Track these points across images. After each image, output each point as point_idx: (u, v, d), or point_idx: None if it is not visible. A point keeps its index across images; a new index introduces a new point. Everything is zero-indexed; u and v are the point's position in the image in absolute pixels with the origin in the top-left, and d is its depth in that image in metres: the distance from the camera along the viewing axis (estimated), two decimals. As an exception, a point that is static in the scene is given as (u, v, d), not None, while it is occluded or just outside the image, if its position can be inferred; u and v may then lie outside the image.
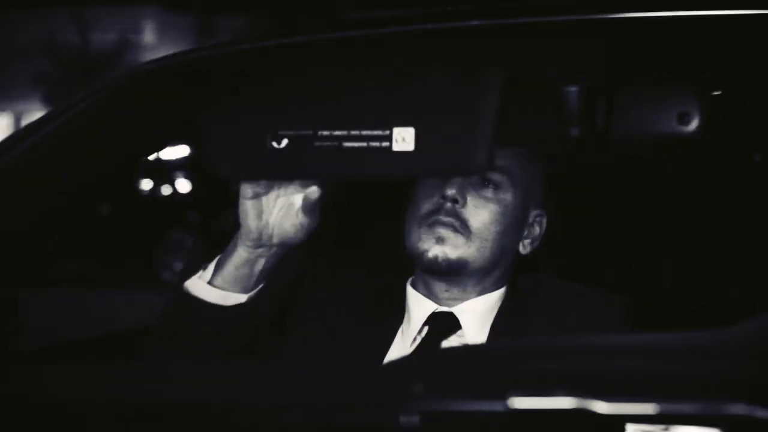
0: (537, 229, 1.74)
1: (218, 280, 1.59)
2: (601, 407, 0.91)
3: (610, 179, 2.15)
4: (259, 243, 1.58)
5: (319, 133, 1.42)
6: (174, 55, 1.76)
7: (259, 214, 1.56)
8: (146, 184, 11.67)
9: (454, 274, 1.68)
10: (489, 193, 1.68)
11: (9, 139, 1.70)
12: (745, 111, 1.95)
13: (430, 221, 1.67)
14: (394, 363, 1.43)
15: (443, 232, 1.66)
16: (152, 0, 23.95)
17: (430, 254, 1.67)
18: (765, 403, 0.89)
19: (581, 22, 1.51)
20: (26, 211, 1.65)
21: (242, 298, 1.59)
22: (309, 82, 1.46)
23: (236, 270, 1.59)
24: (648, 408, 0.90)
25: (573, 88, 1.45)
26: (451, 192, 1.66)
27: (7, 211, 1.63)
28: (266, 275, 1.61)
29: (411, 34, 1.62)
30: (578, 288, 1.70)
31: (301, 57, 1.66)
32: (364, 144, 1.39)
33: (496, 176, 1.68)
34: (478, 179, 1.68)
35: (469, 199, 1.67)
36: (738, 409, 0.89)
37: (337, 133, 1.41)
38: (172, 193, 11.67)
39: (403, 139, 1.38)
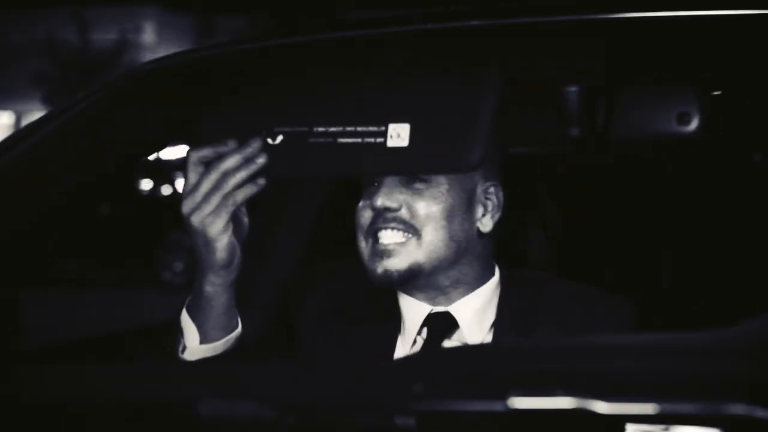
0: (492, 202, 1.66)
1: (206, 340, 1.58)
2: (601, 407, 0.91)
3: (610, 179, 2.15)
4: (226, 266, 1.56)
5: (315, 129, 1.42)
6: (174, 55, 1.76)
7: (216, 234, 1.52)
8: (146, 184, 11.67)
9: (413, 280, 1.64)
10: (420, 185, 1.61)
11: (9, 139, 1.70)
12: (745, 111, 1.95)
13: (372, 231, 1.62)
14: (393, 363, 1.43)
15: (386, 238, 1.61)
16: (152, 0, 23.96)
17: (379, 271, 1.61)
18: (765, 403, 0.89)
19: (581, 22, 1.51)
20: (26, 211, 1.65)
21: (233, 335, 1.60)
22: (306, 81, 1.46)
23: (218, 317, 1.58)
24: (648, 408, 0.90)
25: (573, 88, 1.45)
26: (379, 203, 1.60)
27: (7, 211, 1.63)
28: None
29: (411, 34, 1.62)
30: (583, 288, 1.68)
31: (301, 57, 1.66)
32: (359, 140, 1.39)
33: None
34: (404, 177, 1.61)
35: (402, 199, 1.61)
36: (738, 409, 0.89)
37: (332, 129, 1.41)
38: (172, 193, 11.67)
39: (399, 135, 1.38)
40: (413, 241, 1.61)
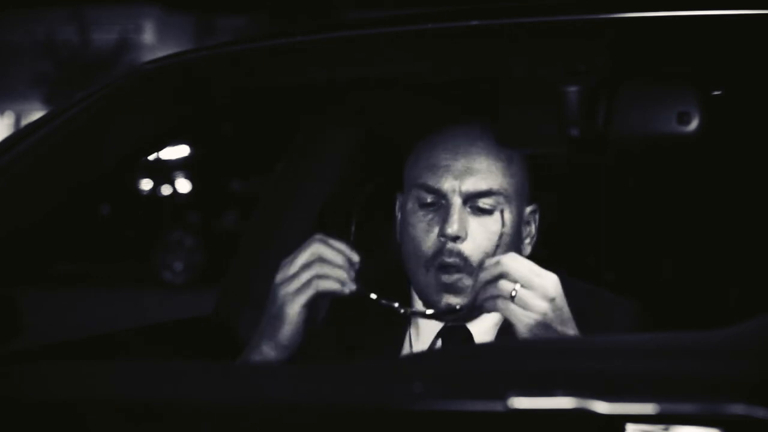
0: (533, 226, 1.71)
1: None
2: (601, 407, 0.91)
3: (610, 179, 2.15)
4: (283, 345, 1.57)
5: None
6: (174, 55, 1.76)
7: (289, 312, 1.55)
8: (146, 184, 11.67)
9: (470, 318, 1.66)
10: (487, 219, 1.63)
11: (9, 139, 1.70)
12: (745, 111, 1.95)
13: (435, 264, 1.63)
14: (393, 363, 1.43)
15: (449, 278, 1.62)
16: (152, 0, 23.95)
17: (443, 303, 1.63)
18: (765, 403, 0.89)
19: (581, 22, 1.51)
20: (26, 210, 1.65)
21: None
22: None
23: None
24: (648, 408, 0.90)
25: (573, 88, 1.45)
26: (450, 230, 1.61)
27: (7, 211, 1.63)
28: None
29: (411, 34, 1.62)
30: (590, 286, 1.68)
31: (301, 57, 1.66)
32: None
33: (489, 201, 1.64)
34: (474, 207, 1.63)
35: (468, 232, 1.63)
36: (738, 409, 0.89)
37: None
38: (172, 193, 11.67)
39: None
40: (470, 278, 1.62)
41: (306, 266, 1.54)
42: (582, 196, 2.18)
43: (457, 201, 1.63)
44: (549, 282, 1.51)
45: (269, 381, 1.10)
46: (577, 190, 2.18)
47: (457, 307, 1.63)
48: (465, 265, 1.62)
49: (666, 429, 0.90)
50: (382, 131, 2.25)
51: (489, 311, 1.56)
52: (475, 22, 1.54)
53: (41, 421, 1.08)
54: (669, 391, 0.93)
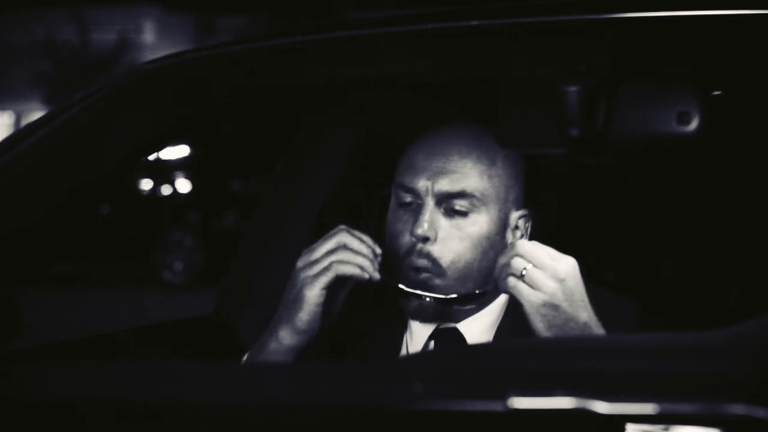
0: (521, 231, 1.69)
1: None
2: (601, 407, 0.91)
3: (610, 179, 2.15)
4: (301, 330, 1.57)
5: None
6: (174, 55, 1.76)
7: (308, 296, 1.55)
8: (146, 184, 11.67)
9: (445, 315, 1.66)
10: (460, 221, 1.63)
11: (9, 139, 1.70)
12: (745, 111, 1.95)
13: (405, 264, 1.63)
14: (393, 363, 1.43)
15: (417, 277, 1.62)
16: (152, 0, 23.95)
17: (413, 303, 1.64)
18: (765, 403, 0.89)
19: (581, 22, 1.51)
20: (26, 210, 1.65)
21: None
22: None
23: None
24: (648, 408, 0.90)
25: (573, 88, 1.45)
26: (420, 231, 1.61)
27: (7, 211, 1.63)
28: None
29: (411, 34, 1.62)
30: (590, 286, 1.68)
31: (301, 57, 1.66)
32: None
33: (463, 203, 1.63)
34: (448, 208, 1.63)
35: (439, 232, 1.62)
36: (738, 409, 0.89)
37: None
38: (172, 193, 11.67)
39: None
40: (439, 279, 1.62)
41: (329, 252, 1.55)
42: (582, 196, 2.18)
43: (429, 201, 1.63)
44: (562, 264, 1.51)
45: (269, 381, 1.10)
46: (577, 190, 2.18)
47: (477, 291, 1.63)
48: (433, 266, 1.62)
49: (666, 429, 0.90)
50: (382, 131, 2.25)
51: (502, 291, 1.56)
52: (475, 22, 1.54)
53: (41, 421, 1.08)
54: (669, 391, 0.93)
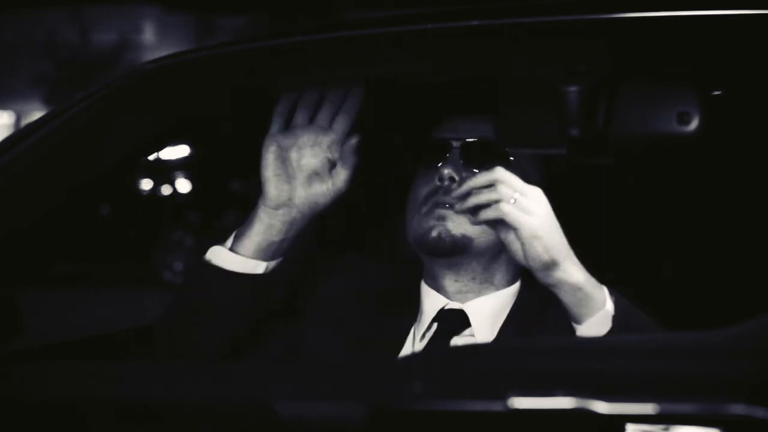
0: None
1: (239, 247, 1.64)
2: (601, 407, 0.91)
3: (610, 179, 2.15)
4: (279, 203, 1.61)
5: None
6: (174, 55, 1.75)
7: (283, 168, 1.61)
8: (146, 184, 11.67)
9: (459, 254, 1.66)
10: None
11: (9, 139, 1.70)
12: (745, 111, 1.95)
13: (430, 204, 1.66)
14: (393, 363, 1.43)
15: (443, 212, 1.65)
16: (152, 0, 23.95)
17: (433, 233, 1.65)
18: (765, 403, 0.89)
19: (581, 22, 1.50)
20: (26, 210, 1.65)
21: (260, 267, 1.63)
22: None
23: (256, 236, 1.63)
24: (648, 408, 0.90)
25: (573, 88, 1.45)
26: (446, 171, 1.66)
27: (7, 211, 1.63)
28: (284, 248, 1.64)
29: (411, 34, 1.62)
30: None
31: (301, 57, 1.66)
32: None
33: (486, 158, 1.68)
34: (472, 160, 1.68)
35: (465, 176, 1.65)
36: (738, 409, 0.89)
37: None
38: (172, 193, 11.67)
39: None
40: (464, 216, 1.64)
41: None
42: (582, 196, 2.18)
43: (455, 146, 1.69)
44: (537, 190, 1.56)
45: (269, 381, 1.10)
46: (577, 190, 2.18)
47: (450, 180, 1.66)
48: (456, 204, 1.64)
49: (666, 429, 0.90)
50: (382, 131, 2.25)
51: (488, 217, 1.56)
52: (475, 22, 1.54)
53: (41, 421, 1.08)
54: (669, 391, 0.93)
